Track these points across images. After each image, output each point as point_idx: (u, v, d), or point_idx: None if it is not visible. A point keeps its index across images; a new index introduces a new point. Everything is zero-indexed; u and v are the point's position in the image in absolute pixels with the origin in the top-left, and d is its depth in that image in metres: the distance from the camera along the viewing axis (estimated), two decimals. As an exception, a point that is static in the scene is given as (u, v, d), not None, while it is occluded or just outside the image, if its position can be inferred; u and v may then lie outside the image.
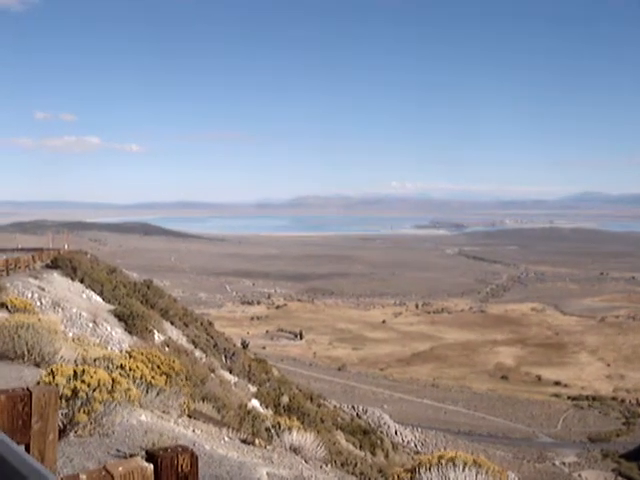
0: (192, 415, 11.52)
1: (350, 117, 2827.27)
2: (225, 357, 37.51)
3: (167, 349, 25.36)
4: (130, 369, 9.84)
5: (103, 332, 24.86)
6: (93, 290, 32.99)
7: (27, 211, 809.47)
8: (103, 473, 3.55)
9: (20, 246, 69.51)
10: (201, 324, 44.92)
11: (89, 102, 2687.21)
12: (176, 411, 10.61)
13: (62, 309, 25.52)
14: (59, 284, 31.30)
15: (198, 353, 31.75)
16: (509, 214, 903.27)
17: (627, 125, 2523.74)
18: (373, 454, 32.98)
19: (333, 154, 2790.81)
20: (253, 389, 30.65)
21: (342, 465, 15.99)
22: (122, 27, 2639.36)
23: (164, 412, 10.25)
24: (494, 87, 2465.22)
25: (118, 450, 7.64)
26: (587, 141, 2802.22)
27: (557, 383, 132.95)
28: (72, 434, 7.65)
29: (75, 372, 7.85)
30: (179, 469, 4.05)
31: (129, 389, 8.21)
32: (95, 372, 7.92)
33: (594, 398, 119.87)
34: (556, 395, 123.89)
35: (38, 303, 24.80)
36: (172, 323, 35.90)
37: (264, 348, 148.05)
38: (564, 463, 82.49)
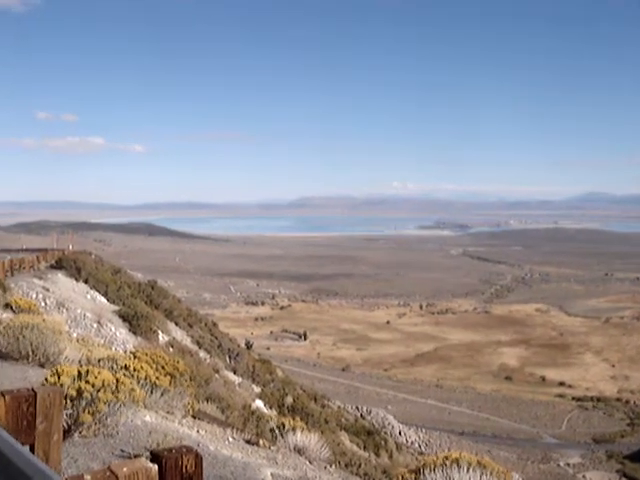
0: (196, 416, 11.52)
1: (350, 117, 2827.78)
2: (229, 358, 37.52)
3: (171, 350, 25.38)
4: (134, 370, 9.84)
5: (107, 333, 24.89)
6: (97, 291, 33.02)
7: (31, 212, 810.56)
8: (108, 474, 3.56)
9: (24, 247, 69.62)
10: (205, 325, 44.93)
11: (90, 102, 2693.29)
12: (180, 412, 10.61)
13: (66, 310, 25.55)
14: (63, 285, 31.34)
15: (202, 354, 31.77)
16: (514, 215, 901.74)
17: (631, 125, 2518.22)
18: (377, 455, 32.95)
19: (334, 154, 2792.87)
20: (257, 390, 30.66)
21: (346, 466, 15.99)
22: (122, 27, 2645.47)
23: (168, 412, 10.25)
24: (494, 87, 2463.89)
25: (122, 450, 7.64)
26: (591, 141, 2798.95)
27: (561, 384, 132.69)
28: (77, 434, 7.66)
29: (79, 372, 7.86)
30: (183, 470, 4.06)
31: (133, 390, 8.21)
32: (99, 373, 7.93)
33: (598, 399, 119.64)
34: (560, 396, 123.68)
35: (42, 304, 24.83)
36: (176, 324, 35.91)
37: (268, 349, 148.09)
38: (568, 464, 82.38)
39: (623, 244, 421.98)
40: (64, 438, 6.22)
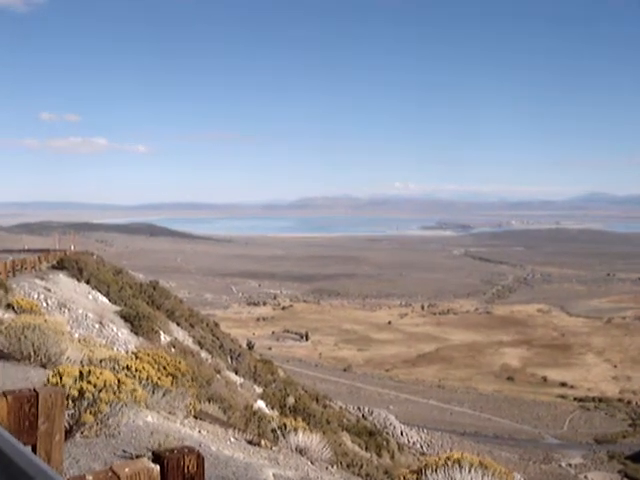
0: (198, 416, 11.53)
1: (350, 117, 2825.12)
2: (231, 358, 37.53)
3: (173, 350, 25.39)
4: (136, 370, 9.85)
5: (109, 333, 24.91)
6: (99, 291, 33.03)
7: (33, 212, 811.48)
8: (109, 474, 3.56)
9: (26, 247, 69.70)
10: (207, 325, 44.95)
11: (92, 102, 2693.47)
12: (182, 412, 10.62)
13: (68, 310, 25.56)
14: (65, 285, 31.35)
15: (204, 354, 31.77)
16: (515, 215, 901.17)
17: (633, 125, 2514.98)
18: (379, 455, 32.95)
19: (334, 154, 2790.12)
20: (259, 390, 30.65)
21: (348, 466, 15.99)
22: (122, 27, 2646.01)
23: (170, 413, 10.26)
24: (494, 87, 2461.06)
25: (124, 451, 7.65)
26: (593, 142, 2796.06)
27: (563, 384, 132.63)
28: (78, 435, 7.67)
29: (81, 373, 7.87)
30: (185, 470, 4.06)
31: (135, 390, 8.22)
32: (101, 373, 7.94)
33: (600, 399, 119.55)
34: (562, 396, 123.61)
35: (44, 304, 24.84)
36: (178, 324, 35.92)
37: (270, 349, 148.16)
38: (570, 464, 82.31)
39: (625, 244, 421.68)
40: (66, 438, 6.23)
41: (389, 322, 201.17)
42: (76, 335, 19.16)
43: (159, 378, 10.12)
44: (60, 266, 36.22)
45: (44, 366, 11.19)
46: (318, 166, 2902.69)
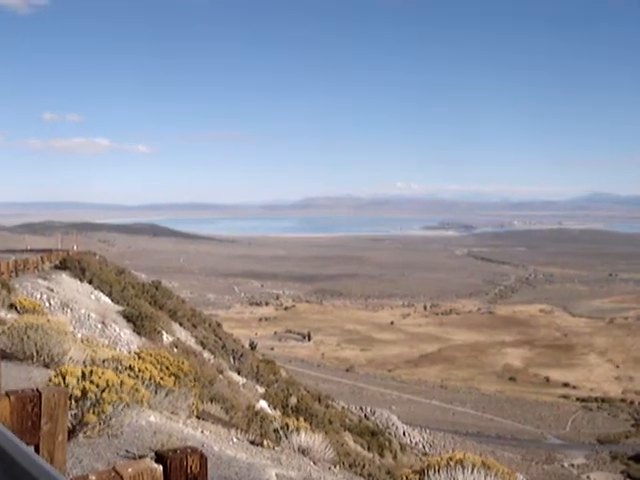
0: (201, 416, 11.54)
1: (351, 117, 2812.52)
2: (233, 358, 37.54)
3: (176, 350, 25.40)
4: (139, 370, 9.86)
5: (112, 333, 24.92)
6: (102, 291, 33.06)
7: (36, 212, 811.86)
8: (112, 474, 3.56)
9: (29, 247, 69.79)
10: (209, 325, 44.97)
11: (95, 103, 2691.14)
12: (185, 412, 10.62)
13: (71, 310, 25.59)
14: (68, 285, 31.37)
15: (206, 354, 31.78)
16: (518, 215, 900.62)
17: (634, 125, 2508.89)
18: (381, 455, 32.94)
19: (335, 154, 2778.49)
20: (261, 390, 30.65)
21: (350, 466, 15.98)
22: (123, 27, 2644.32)
23: (173, 413, 10.26)
24: (494, 87, 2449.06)
25: (127, 451, 7.65)
26: (594, 142, 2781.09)
27: (566, 384, 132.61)
28: (81, 435, 7.67)
29: (84, 373, 7.88)
30: (188, 470, 4.06)
31: (138, 390, 8.23)
32: (104, 373, 7.95)
33: (603, 400, 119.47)
34: (565, 396, 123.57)
35: (47, 304, 24.87)
36: (180, 324, 35.95)
37: (272, 349, 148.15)
38: (573, 465, 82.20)
39: (627, 244, 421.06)
40: (69, 438, 6.23)
41: (391, 322, 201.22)
42: (79, 335, 19.17)
43: (162, 378, 10.13)
44: (63, 266, 36.27)
45: (47, 366, 11.21)
46: (320, 166, 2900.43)
